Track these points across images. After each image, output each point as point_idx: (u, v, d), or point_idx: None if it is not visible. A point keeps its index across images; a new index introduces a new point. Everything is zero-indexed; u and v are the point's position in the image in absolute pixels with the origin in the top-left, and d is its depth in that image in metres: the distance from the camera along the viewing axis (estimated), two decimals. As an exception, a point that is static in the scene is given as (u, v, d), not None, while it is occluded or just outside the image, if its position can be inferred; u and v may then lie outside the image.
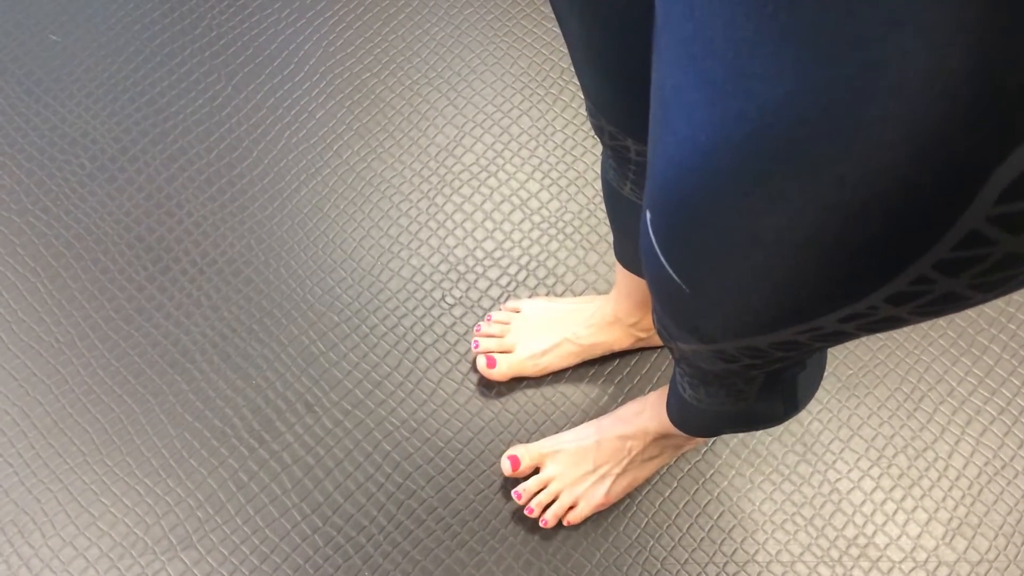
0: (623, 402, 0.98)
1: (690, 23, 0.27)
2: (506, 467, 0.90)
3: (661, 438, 0.83)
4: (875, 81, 0.21)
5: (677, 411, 0.66)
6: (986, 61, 0.19)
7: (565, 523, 0.89)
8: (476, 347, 0.97)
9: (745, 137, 0.26)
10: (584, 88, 0.53)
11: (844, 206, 0.26)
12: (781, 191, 0.27)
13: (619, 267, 0.84)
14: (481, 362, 0.96)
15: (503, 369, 0.96)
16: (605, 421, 0.89)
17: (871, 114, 0.22)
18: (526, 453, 0.90)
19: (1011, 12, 0.18)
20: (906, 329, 1.01)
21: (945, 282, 0.26)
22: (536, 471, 0.91)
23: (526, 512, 0.89)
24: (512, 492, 0.91)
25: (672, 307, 0.41)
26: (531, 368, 0.96)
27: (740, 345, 0.39)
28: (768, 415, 0.57)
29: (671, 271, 0.37)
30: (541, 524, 0.89)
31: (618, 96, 0.50)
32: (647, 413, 0.83)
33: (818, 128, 0.24)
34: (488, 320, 1.00)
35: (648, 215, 0.36)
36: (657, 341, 0.98)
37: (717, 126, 0.27)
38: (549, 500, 0.89)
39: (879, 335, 1.00)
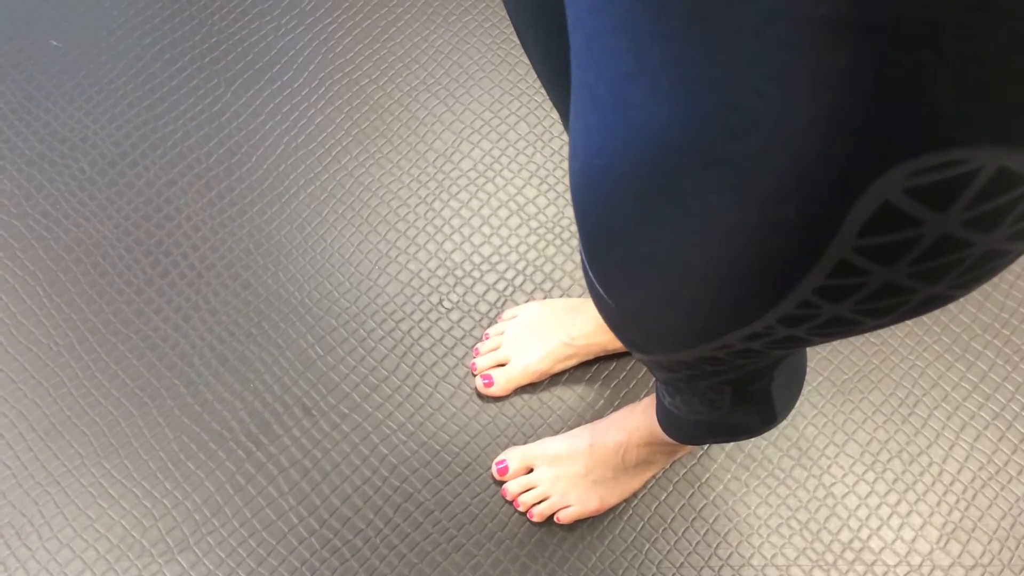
0: (618, 405, 0.98)
1: (586, 53, 0.27)
2: (495, 473, 0.91)
3: (653, 443, 0.83)
4: (735, 119, 0.22)
5: (663, 417, 0.67)
6: (833, 103, 0.20)
7: (556, 520, 0.89)
8: (474, 369, 0.98)
9: (630, 164, 0.27)
10: (553, 103, 0.55)
11: (719, 234, 0.26)
12: (663, 218, 0.28)
13: None
14: (479, 383, 0.97)
15: (502, 384, 0.96)
16: (599, 425, 0.89)
17: (734, 149, 0.23)
18: (517, 457, 0.91)
19: (849, 56, 0.19)
20: (901, 335, 1.02)
21: (830, 307, 0.27)
22: (530, 471, 0.91)
23: (514, 505, 0.90)
24: (501, 489, 0.91)
25: (607, 318, 0.42)
26: (529, 378, 0.97)
27: (670, 358, 0.40)
28: (744, 426, 0.57)
29: (597, 285, 0.38)
30: (528, 517, 0.90)
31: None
32: (639, 418, 0.83)
33: (689, 160, 0.24)
34: (485, 338, 1.01)
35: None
36: (652, 344, 0.98)
37: (608, 152, 0.28)
38: (537, 501, 0.89)
39: (872, 340, 1.01)
